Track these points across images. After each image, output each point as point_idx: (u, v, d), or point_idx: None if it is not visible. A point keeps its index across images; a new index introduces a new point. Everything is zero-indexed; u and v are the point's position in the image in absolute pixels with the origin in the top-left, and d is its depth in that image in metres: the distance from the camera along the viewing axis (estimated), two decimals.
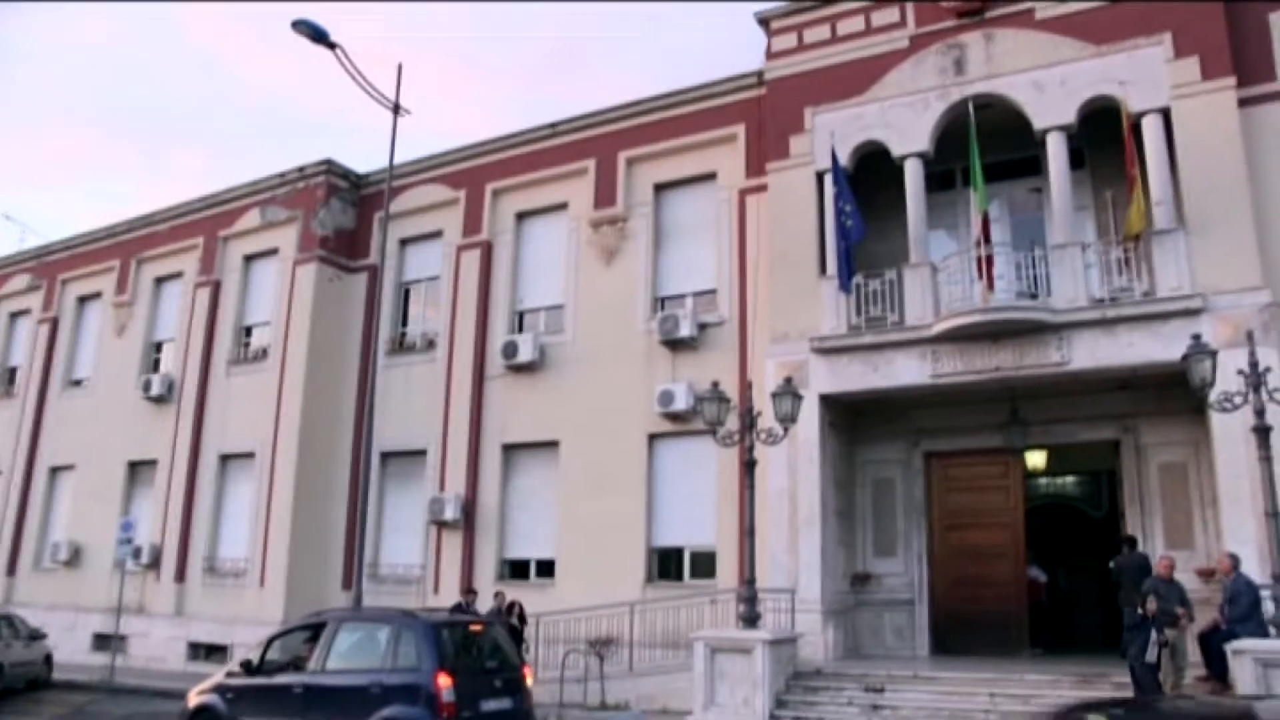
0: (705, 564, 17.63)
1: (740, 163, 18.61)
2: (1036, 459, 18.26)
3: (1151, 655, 10.52)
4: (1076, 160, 16.23)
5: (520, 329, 20.53)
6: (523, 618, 15.92)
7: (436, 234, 22.05)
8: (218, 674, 13.07)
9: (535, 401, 19.64)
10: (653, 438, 18.38)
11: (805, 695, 13.92)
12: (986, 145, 15.29)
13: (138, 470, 24.37)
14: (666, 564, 18.19)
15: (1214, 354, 11.95)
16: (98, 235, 27.34)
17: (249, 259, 24.05)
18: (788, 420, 14.36)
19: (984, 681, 13.41)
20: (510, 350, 19.64)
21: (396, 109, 17.19)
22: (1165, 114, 14.97)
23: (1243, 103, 14.76)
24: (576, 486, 18.79)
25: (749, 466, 14.52)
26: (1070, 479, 21.29)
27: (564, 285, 20.15)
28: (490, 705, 11.20)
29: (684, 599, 16.57)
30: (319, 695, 11.33)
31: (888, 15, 17.39)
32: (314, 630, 12.20)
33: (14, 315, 29.43)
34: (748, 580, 14.29)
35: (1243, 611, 11.90)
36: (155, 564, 22.75)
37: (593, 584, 17.48)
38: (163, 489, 23.39)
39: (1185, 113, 14.85)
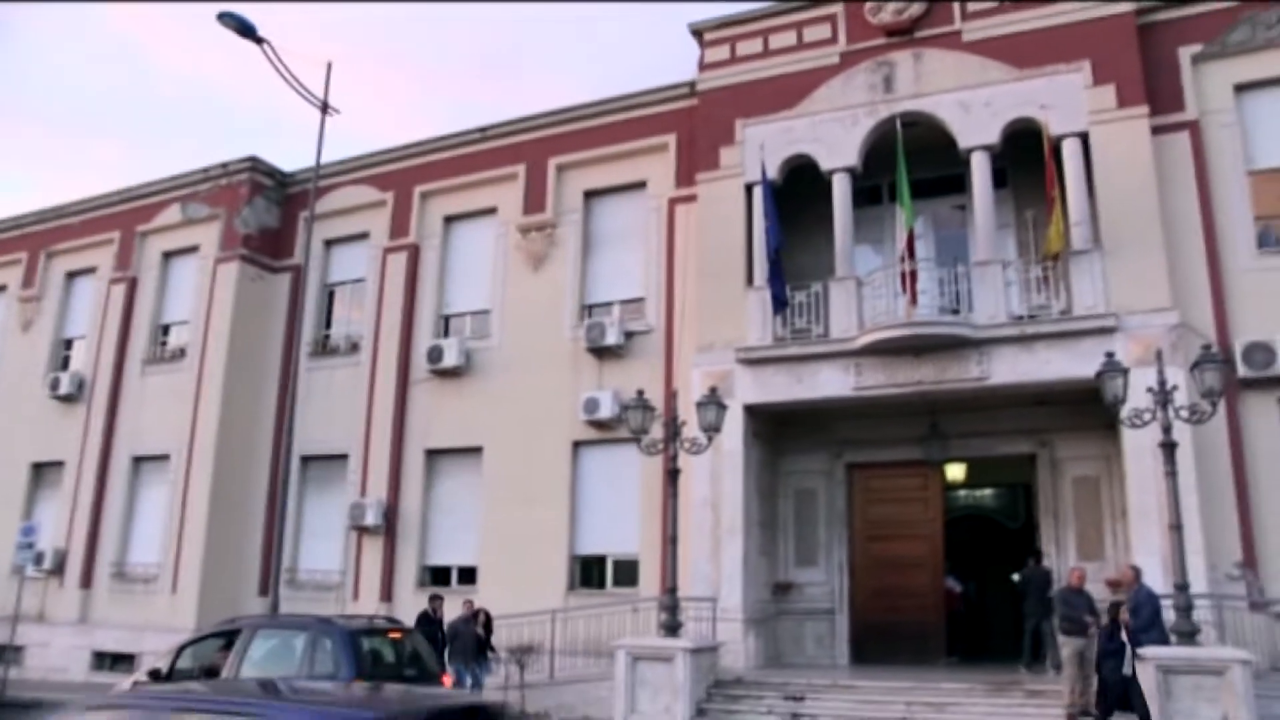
0: (628, 572, 17.62)
1: (670, 172, 18.69)
2: (956, 471, 18.58)
3: (1128, 669, 10.68)
4: (999, 180, 16.58)
5: (446, 333, 20.33)
6: (489, 626, 15.54)
7: (363, 235, 21.76)
8: (123, 684, 12.63)
9: (460, 407, 19.46)
10: (577, 445, 18.34)
11: (726, 704, 13.96)
12: (913, 162, 15.54)
13: (43, 472, 23.54)
14: (589, 572, 18.15)
15: (1126, 372, 12.30)
16: (3, 225, 26.27)
17: (168, 256, 23.45)
18: (712, 430, 14.43)
19: (901, 690, 13.58)
20: (435, 355, 19.44)
21: (325, 108, 16.93)
22: (1084, 138, 15.45)
23: (1155, 130, 15.33)
24: (500, 493, 18.65)
25: (672, 475, 14.54)
26: (988, 491, 21.70)
27: (491, 290, 20.01)
28: None
29: (606, 607, 16.54)
30: None
31: (819, 31, 17.62)
32: (228, 637, 11.86)
33: None
34: (670, 589, 14.30)
35: (1145, 621, 12.27)
36: (59, 569, 21.98)
37: (515, 591, 17.35)
38: (69, 491, 22.59)
39: (1102, 138, 15.33)
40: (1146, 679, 11.36)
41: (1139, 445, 13.60)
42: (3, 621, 20.39)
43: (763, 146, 17.01)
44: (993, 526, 21.25)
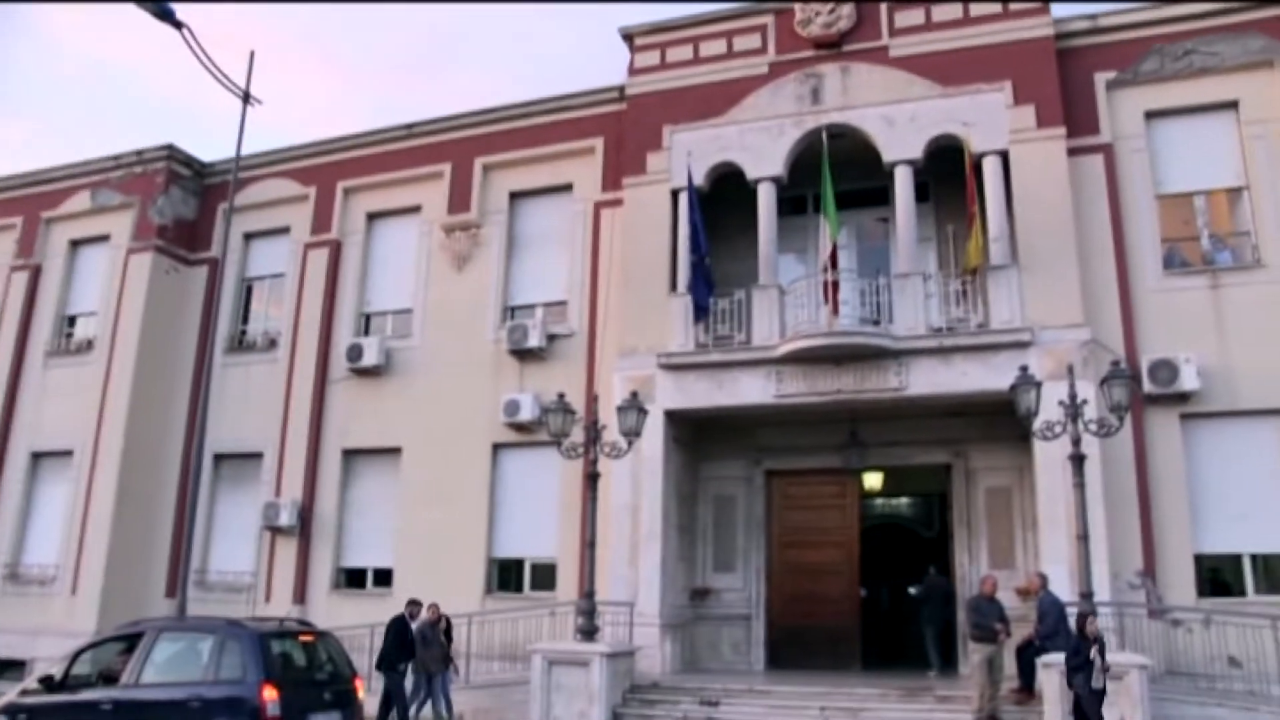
0: (546, 576, 17.54)
1: (597, 175, 18.67)
2: (873, 480, 18.84)
3: (1098, 682, 10.83)
4: (922, 194, 16.88)
5: (367, 332, 20.03)
6: (449, 633, 15.21)
7: (284, 230, 21.33)
8: (10, 692, 11.99)
9: (379, 407, 19.18)
10: (497, 447, 18.21)
11: (641, 708, 13.95)
12: (838, 174, 15.73)
13: None
14: (507, 575, 18.03)
15: (1039, 385, 12.61)
16: None
17: (76, 244, 22.65)
18: (632, 434, 14.44)
19: (816, 695, 13.70)
20: (355, 353, 19.13)
21: (246, 97, 16.53)
22: (1004, 156, 15.83)
23: (1071, 152, 15.80)
24: (418, 494, 18.43)
25: (592, 479, 14.52)
26: (904, 500, 22.07)
27: (413, 289, 19.77)
28: (318, 718, 10.88)
29: (524, 611, 16.39)
30: (131, 711, 10.64)
31: (749, 41, 17.77)
32: (129, 641, 11.43)
33: None
34: (587, 593, 14.27)
35: (1050, 628, 12.71)
36: None
37: (431, 594, 16.88)
38: None
39: (1021, 156, 15.73)
40: (1050, 684, 11.66)
41: (1049, 457, 13.97)
42: None
43: (690, 153, 17.08)
44: (908, 535, 21.60)
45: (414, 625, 14.40)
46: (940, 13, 16.85)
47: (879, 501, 21.46)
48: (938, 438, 16.74)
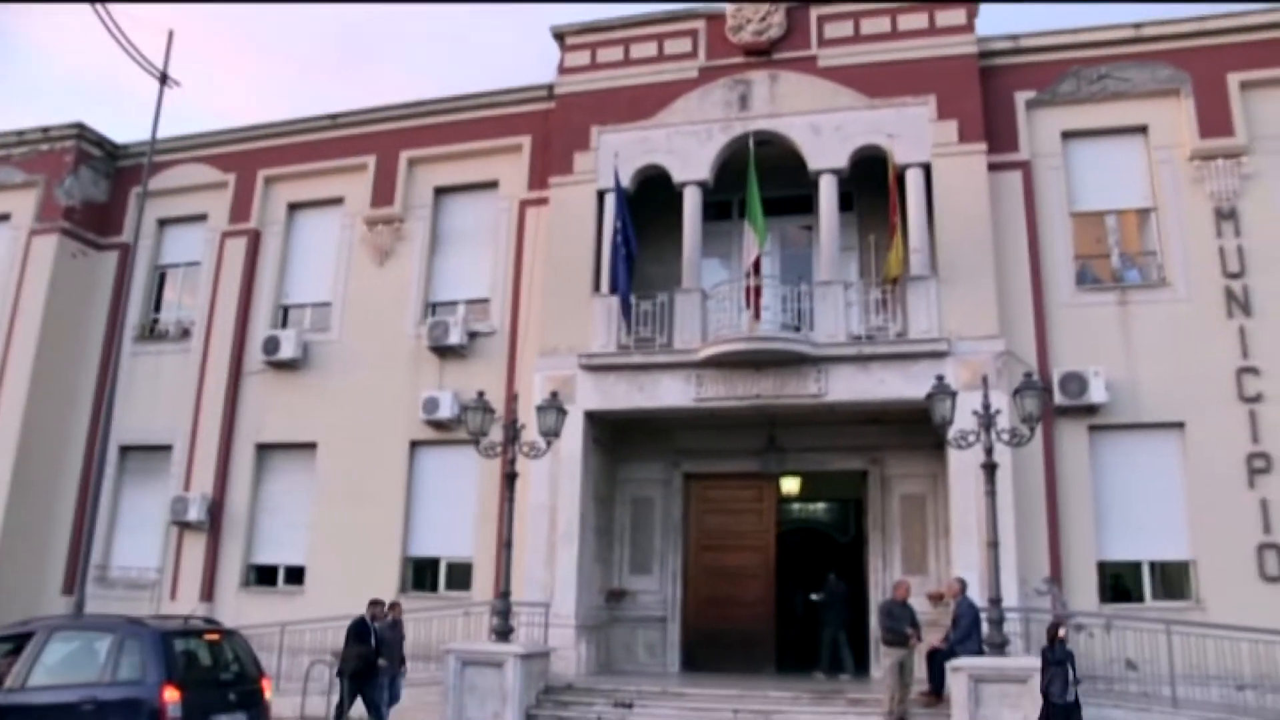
0: (461, 575, 17.38)
1: (524, 174, 18.57)
2: (791, 485, 19.01)
3: (1070, 695, 10.93)
4: (845, 203, 17.12)
5: (284, 324, 19.63)
6: (401, 633, 14.75)
7: (200, 217, 20.76)
8: None
9: (295, 401, 18.80)
10: (415, 445, 17.98)
11: (555, 710, 13.90)
12: (764, 180, 15.85)
13: None
14: (422, 574, 17.82)
15: (954, 395, 12.86)
16: None
17: None
18: (551, 435, 14.38)
19: (729, 698, 13.78)
20: (272, 346, 18.72)
21: (164, 78, 16.14)
22: (926, 169, 16.15)
23: (992, 167, 16.21)
24: (333, 491, 18.10)
25: (510, 479, 14.44)
26: (821, 505, 22.31)
27: (334, 283, 19.43)
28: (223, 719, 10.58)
29: (438, 610, 16.22)
30: (17, 716, 10.12)
31: (680, 45, 17.85)
32: (17, 642, 10.87)
33: None
34: (503, 593, 14.17)
35: (963, 632, 13.00)
36: None
37: (344, 593, 16.75)
38: None
39: (943, 170, 16.07)
40: (958, 688, 11.89)
41: (963, 465, 14.27)
42: None
43: (617, 154, 17.09)
44: (824, 540, 21.84)
45: (376, 627, 13.66)
46: (869, 26, 17.14)
47: (796, 506, 21.67)
48: (855, 444, 16.97)
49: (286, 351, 18.62)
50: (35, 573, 19.14)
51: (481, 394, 14.81)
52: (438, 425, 17.61)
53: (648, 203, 17.36)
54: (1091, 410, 15.23)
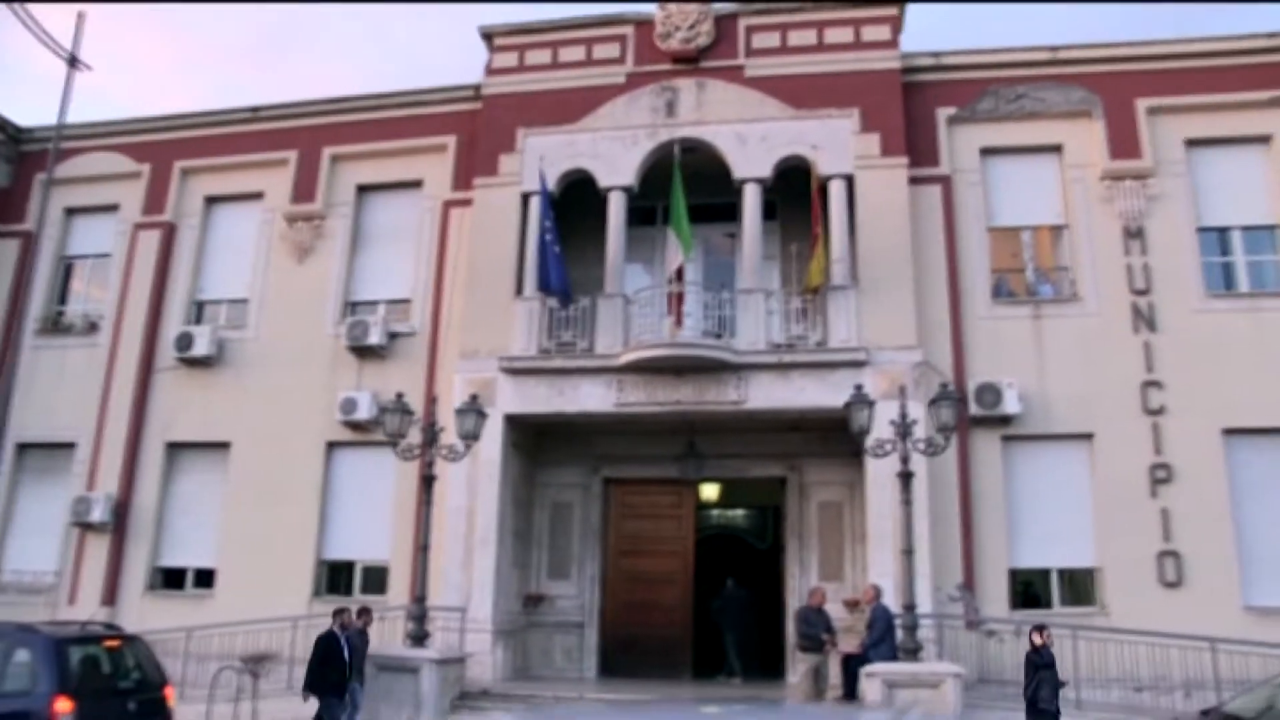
0: (377, 579, 17.13)
1: (448, 174, 18.40)
2: (710, 491, 19.10)
3: (1052, 705, 10.95)
4: (769, 212, 17.27)
5: (199, 320, 19.15)
6: (367, 640, 14.16)
7: (112, 207, 20.10)
8: None
9: (208, 399, 18.33)
10: (332, 446, 17.68)
11: (471, 716, 13.72)
12: (689, 188, 15.94)
13: None
14: (337, 578, 17.50)
15: (872, 404, 13.04)
16: None
17: None
18: (470, 438, 14.25)
19: (646, 704, 13.71)
20: (185, 342, 18.23)
21: (73, 61, 15.63)
22: (849, 180, 16.39)
23: (913, 181, 16.53)
24: (246, 492, 17.68)
25: (428, 482, 14.26)
26: (740, 512, 22.44)
27: (251, 279, 19.00)
28: None
29: None
30: None
31: (609, 50, 17.87)
32: None
33: None
34: (419, 597, 13.97)
35: (877, 637, 13.17)
36: None
37: (256, 597, 16.49)
38: None
39: (865, 182, 16.34)
40: (873, 692, 12.04)
41: (880, 474, 14.47)
42: None
43: (543, 157, 17.04)
44: (743, 546, 21.97)
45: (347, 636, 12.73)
46: (796, 38, 17.36)
47: (715, 512, 21.77)
48: (774, 451, 17.11)
49: (200, 348, 18.16)
50: None
51: (400, 395, 14.61)
52: (355, 426, 17.33)
53: (572, 207, 17.32)
54: (1005, 421, 15.58)
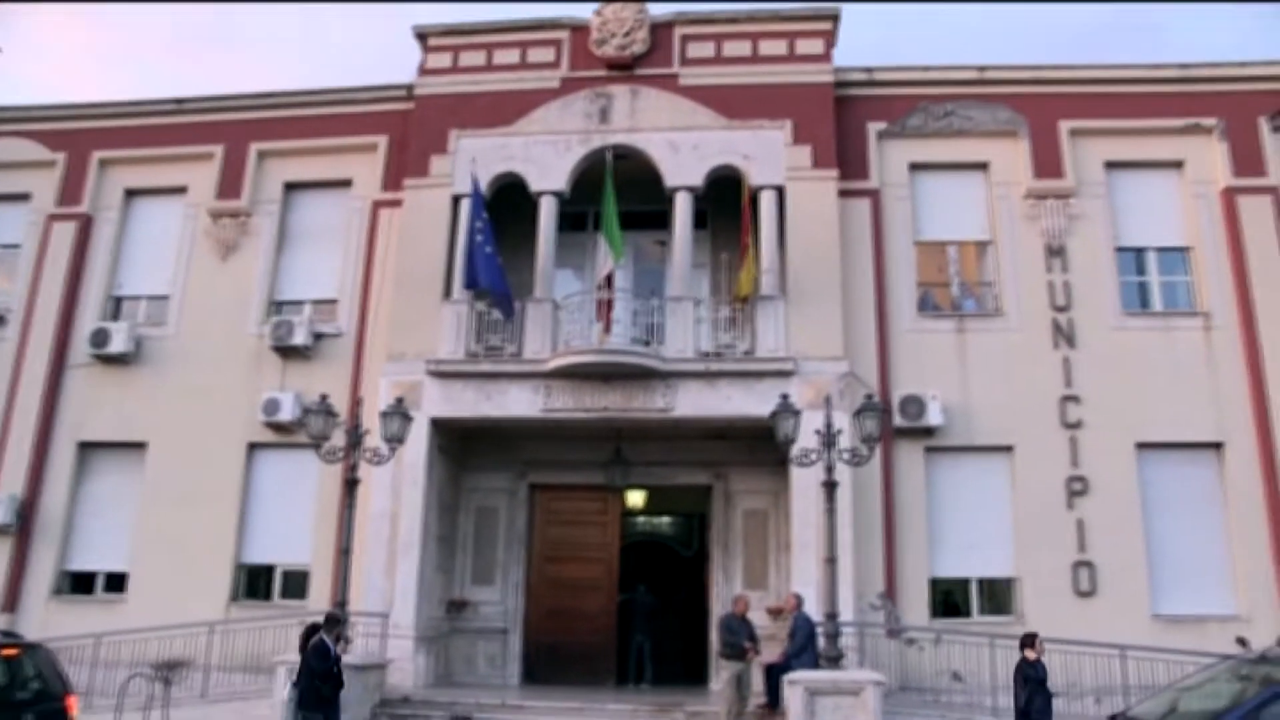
0: (297, 583, 16.81)
1: (378, 174, 18.17)
2: (636, 498, 19.09)
3: (1046, 717, 10.96)
4: (700, 220, 17.38)
5: (116, 316, 18.56)
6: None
7: (23, 196, 19.39)
8: None
9: (125, 397, 17.81)
10: (253, 447, 17.31)
11: None
12: (621, 194, 15.95)
13: None
14: (256, 582, 17.13)
15: (798, 414, 13.15)
16: None
17: None
18: (395, 441, 14.07)
19: (569, 711, 13.72)
20: (101, 338, 17.70)
21: None
22: (780, 191, 16.55)
23: (843, 194, 16.77)
24: (163, 493, 17.19)
25: (351, 485, 14.04)
26: (666, 519, 22.44)
27: (173, 275, 18.51)
28: None
29: (271, 620, 15.56)
30: None
31: (544, 54, 17.83)
32: None
33: None
34: (340, 603, 13.71)
35: (799, 646, 13.28)
36: None
37: (171, 601, 16.07)
38: None
39: (796, 194, 16.52)
40: (794, 701, 12.11)
41: (804, 483, 14.60)
42: None
43: (474, 160, 16.90)
44: (668, 553, 21.99)
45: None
46: (730, 48, 17.50)
47: (641, 520, 21.72)
48: (700, 459, 17.17)
49: (117, 345, 17.64)
50: None
51: (325, 397, 14.35)
52: (278, 428, 17.01)
53: (503, 210, 17.20)
54: (928, 432, 15.84)
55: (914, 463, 15.94)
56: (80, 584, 17.59)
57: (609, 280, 16.07)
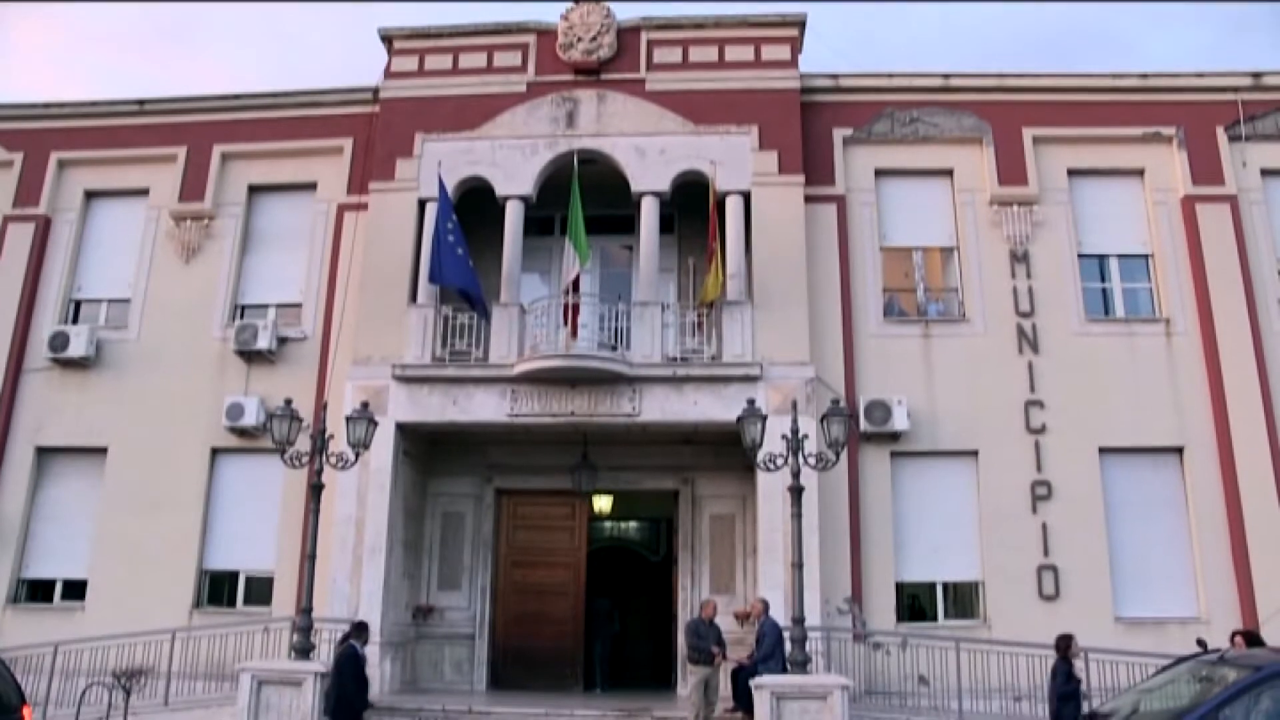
0: (262, 590, 16.64)
1: (344, 177, 18.03)
2: (603, 503, 19.06)
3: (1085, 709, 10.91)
4: (667, 225, 17.41)
5: (76, 320, 18.33)
6: None
7: None
8: None
9: (85, 402, 17.56)
10: (216, 452, 17.12)
11: None
12: (587, 199, 15.91)
13: None
14: (219, 588, 16.95)
15: (765, 418, 13.15)
16: None
17: None
18: (360, 446, 13.95)
19: (536, 716, 13.70)
20: (60, 342, 17.44)
21: None
22: (746, 197, 16.60)
23: (809, 199, 16.82)
24: (124, 499, 16.96)
25: (316, 490, 13.88)
26: (633, 524, 22.44)
27: (135, 278, 18.27)
28: None
29: (235, 627, 15.39)
30: None
31: (510, 58, 17.78)
32: None
33: None
34: (305, 609, 13.56)
35: (767, 650, 13.29)
36: None
37: (132, 609, 15.85)
38: None
39: (762, 199, 16.56)
40: (762, 705, 12.12)
41: (771, 488, 14.64)
42: None
43: (441, 164, 16.81)
44: (635, 558, 21.99)
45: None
46: (697, 54, 17.53)
47: (608, 524, 21.72)
48: (667, 464, 17.19)
49: (77, 349, 17.39)
50: None
51: (289, 401, 14.21)
52: (242, 433, 16.84)
53: (469, 214, 17.09)
54: (894, 437, 15.93)
55: (880, 467, 16.00)
56: (38, 592, 17.32)
57: (575, 285, 16.05)
